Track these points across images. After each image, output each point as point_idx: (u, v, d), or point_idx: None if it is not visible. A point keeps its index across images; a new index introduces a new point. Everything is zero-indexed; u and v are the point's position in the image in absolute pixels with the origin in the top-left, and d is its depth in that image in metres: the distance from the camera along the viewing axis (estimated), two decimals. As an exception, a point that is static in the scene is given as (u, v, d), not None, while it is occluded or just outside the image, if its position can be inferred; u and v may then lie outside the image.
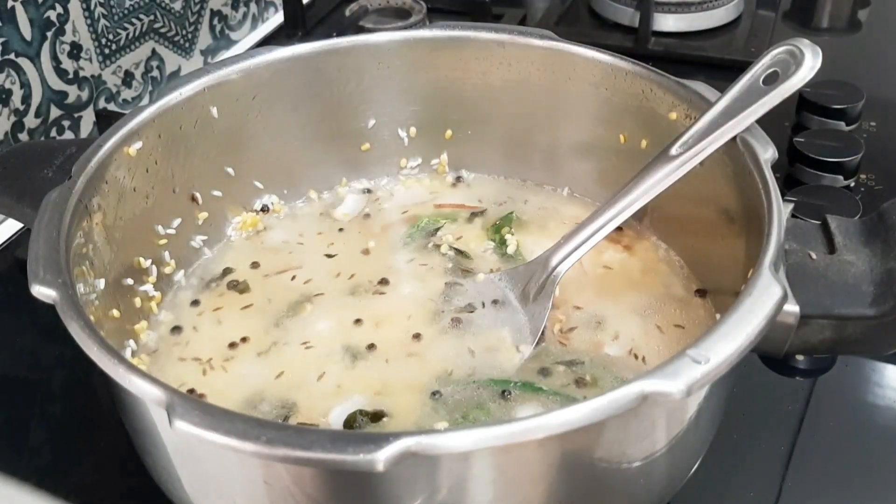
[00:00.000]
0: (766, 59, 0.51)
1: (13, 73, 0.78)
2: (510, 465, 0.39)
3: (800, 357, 0.61)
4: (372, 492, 0.39)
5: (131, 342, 0.54)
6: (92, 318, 0.44)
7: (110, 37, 0.87)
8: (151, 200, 0.57)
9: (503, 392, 0.51)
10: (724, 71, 0.92)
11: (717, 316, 0.53)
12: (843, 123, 0.81)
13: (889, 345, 0.48)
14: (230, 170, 0.63)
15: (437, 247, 0.63)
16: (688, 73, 0.59)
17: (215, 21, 1.02)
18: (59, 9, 0.81)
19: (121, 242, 0.54)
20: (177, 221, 0.60)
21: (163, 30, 0.94)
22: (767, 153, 0.50)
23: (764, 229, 0.45)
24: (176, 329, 0.57)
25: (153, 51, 0.93)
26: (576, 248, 0.54)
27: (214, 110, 0.60)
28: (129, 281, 0.55)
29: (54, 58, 0.81)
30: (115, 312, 0.53)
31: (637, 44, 0.97)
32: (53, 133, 0.83)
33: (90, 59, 0.86)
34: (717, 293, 0.56)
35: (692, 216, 0.57)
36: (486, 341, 0.55)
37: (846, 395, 0.59)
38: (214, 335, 0.56)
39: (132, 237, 0.55)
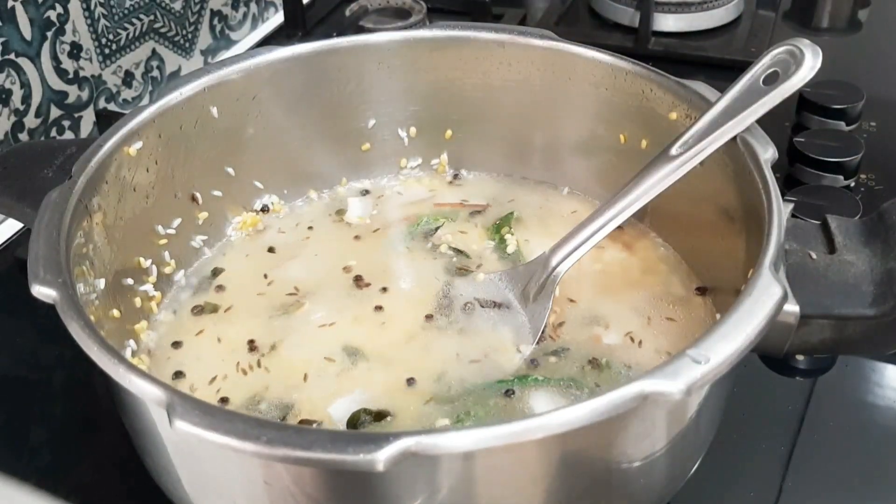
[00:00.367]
0: (766, 59, 0.51)
1: (13, 73, 0.78)
2: (510, 464, 0.39)
3: (800, 357, 0.61)
4: (372, 492, 0.39)
5: (131, 342, 0.54)
6: (92, 318, 0.44)
7: (110, 37, 0.87)
8: (151, 200, 0.57)
9: (506, 391, 0.51)
10: (724, 71, 0.92)
11: (717, 315, 0.53)
12: (843, 123, 0.81)
13: (889, 345, 0.48)
14: (230, 170, 0.63)
15: (437, 246, 0.63)
16: (688, 73, 0.59)
17: (215, 21, 1.02)
18: (59, 9, 0.81)
19: (121, 242, 0.54)
20: (177, 221, 0.60)
21: (163, 30, 0.94)
22: (767, 153, 0.50)
23: (764, 229, 0.45)
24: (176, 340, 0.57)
25: (153, 51, 0.93)
26: (576, 248, 0.54)
27: (214, 110, 0.60)
28: (129, 281, 0.55)
29: (54, 58, 0.81)
30: (115, 312, 0.53)
31: (637, 44, 0.97)
32: (53, 133, 0.83)
33: (90, 59, 0.86)
34: (717, 292, 0.56)
35: (692, 216, 0.57)
36: (486, 341, 0.55)
37: (846, 395, 0.59)
38: (214, 335, 0.56)
39: (132, 237, 0.55)
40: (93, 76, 0.86)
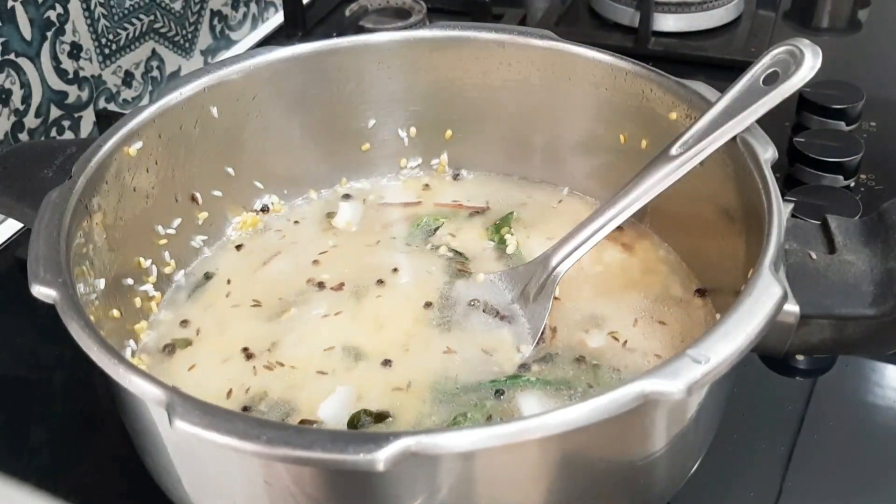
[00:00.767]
0: (766, 59, 0.51)
1: (13, 73, 0.78)
2: (510, 464, 0.39)
3: (800, 357, 0.61)
4: (372, 491, 0.39)
5: (131, 342, 0.54)
6: (92, 318, 0.44)
7: (110, 37, 0.87)
8: (151, 200, 0.57)
9: (505, 392, 0.51)
10: (724, 71, 0.92)
11: (717, 316, 0.53)
12: (843, 123, 0.81)
13: (889, 345, 0.48)
14: (230, 170, 0.63)
15: (437, 247, 0.63)
16: (688, 73, 0.59)
17: (215, 21, 1.02)
18: (59, 9, 0.81)
19: (121, 242, 0.54)
20: (177, 221, 0.60)
21: (163, 30, 0.94)
22: (767, 153, 0.50)
23: (764, 229, 0.45)
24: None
25: (153, 51, 0.93)
26: (576, 248, 0.55)
27: (214, 110, 0.60)
28: (129, 281, 0.55)
29: (54, 58, 0.81)
30: (115, 312, 0.53)
31: (637, 44, 0.97)
32: (53, 133, 0.83)
33: (90, 59, 0.86)
34: (717, 293, 0.56)
35: (692, 216, 0.57)
36: (486, 342, 0.55)
37: (846, 395, 0.59)
38: (213, 335, 0.56)
39: (132, 237, 0.55)
40: (93, 76, 0.86)
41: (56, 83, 0.82)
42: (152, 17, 0.92)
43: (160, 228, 0.59)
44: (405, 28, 0.84)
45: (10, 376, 0.64)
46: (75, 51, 0.84)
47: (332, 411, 0.50)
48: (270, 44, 0.78)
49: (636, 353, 0.54)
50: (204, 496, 0.45)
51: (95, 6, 0.85)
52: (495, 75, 0.65)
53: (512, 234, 0.63)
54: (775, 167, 0.49)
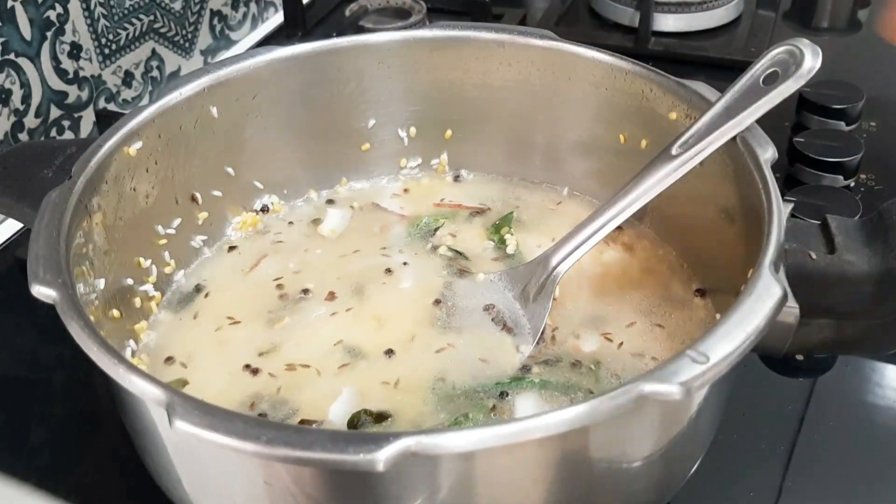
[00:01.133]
0: (766, 59, 0.51)
1: (13, 73, 0.78)
2: (510, 464, 0.39)
3: (800, 357, 0.61)
4: (372, 492, 0.39)
5: (131, 342, 0.54)
6: (92, 318, 0.44)
7: (110, 37, 0.87)
8: (151, 200, 0.57)
9: (504, 393, 0.51)
10: (724, 71, 0.92)
11: (717, 316, 0.53)
12: (843, 123, 0.81)
13: (889, 345, 0.48)
14: (230, 170, 0.63)
15: (437, 247, 0.63)
16: (688, 73, 0.59)
17: (215, 21, 1.02)
18: (59, 9, 0.81)
19: (121, 242, 0.54)
20: (177, 221, 0.60)
21: (163, 30, 0.94)
22: (767, 153, 0.50)
23: (764, 229, 0.45)
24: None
25: (153, 51, 0.93)
26: (576, 248, 0.55)
27: (214, 110, 0.60)
28: (129, 281, 0.55)
29: (54, 58, 0.81)
30: (115, 312, 0.53)
31: (637, 44, 0.97)
32: (53, 133, 0.84)
33: (90, 59, 0.86)
34: (717, 293, 0.56)
35: (692, 216, 0.57)
36: (486, 342, 0.55)
37: (846, 395, 0.59)
38: (213, 335, 0.56)
39: (132, 237, 0.55)
40: (93, 76, 0.86)
41: (56, 83, 0.82)
42: (152, 17, 0.92)
43: (160, 228, 0.59)
44: (405, 28, 0.84)
45: (10, 376, 0.64)
46: (75, 51, 0.84)
47: (341, 413, 0.50)
48: (270, 44, 0.78)
49: (636, 353, 0.54)
50: (204, 496, 0.45)
51: (95, 6, 0.85)
52: (495, 75, 0.65)
53: (512, 235, 0.63)
54: (775, 167, 0.49)
